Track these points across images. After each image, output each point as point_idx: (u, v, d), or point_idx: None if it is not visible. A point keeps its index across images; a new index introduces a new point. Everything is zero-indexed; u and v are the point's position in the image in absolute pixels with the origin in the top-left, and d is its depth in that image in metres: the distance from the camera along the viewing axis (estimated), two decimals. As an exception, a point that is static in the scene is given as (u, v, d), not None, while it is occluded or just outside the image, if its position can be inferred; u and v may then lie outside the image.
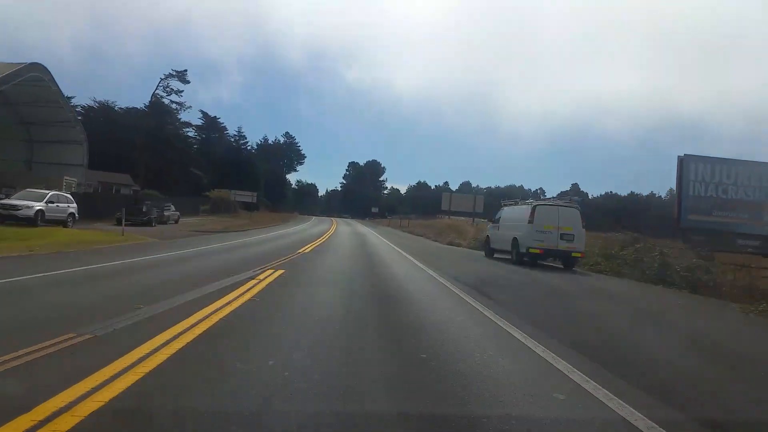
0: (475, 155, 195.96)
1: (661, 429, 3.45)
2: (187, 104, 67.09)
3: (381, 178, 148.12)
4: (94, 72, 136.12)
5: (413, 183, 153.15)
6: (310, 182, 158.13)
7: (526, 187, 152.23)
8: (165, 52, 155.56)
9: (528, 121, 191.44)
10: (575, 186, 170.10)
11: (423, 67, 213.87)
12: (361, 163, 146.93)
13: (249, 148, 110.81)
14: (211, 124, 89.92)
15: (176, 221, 34.48)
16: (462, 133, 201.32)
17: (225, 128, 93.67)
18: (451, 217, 49.51)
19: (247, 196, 57.85)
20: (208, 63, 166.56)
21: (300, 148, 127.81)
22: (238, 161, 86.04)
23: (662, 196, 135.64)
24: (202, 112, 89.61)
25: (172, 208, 35.82)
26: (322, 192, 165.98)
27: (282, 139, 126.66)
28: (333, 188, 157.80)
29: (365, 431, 3.31)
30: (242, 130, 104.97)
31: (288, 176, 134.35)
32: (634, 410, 3.75)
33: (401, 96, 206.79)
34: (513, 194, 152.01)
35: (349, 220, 77.93)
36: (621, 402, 3.90)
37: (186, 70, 64.48)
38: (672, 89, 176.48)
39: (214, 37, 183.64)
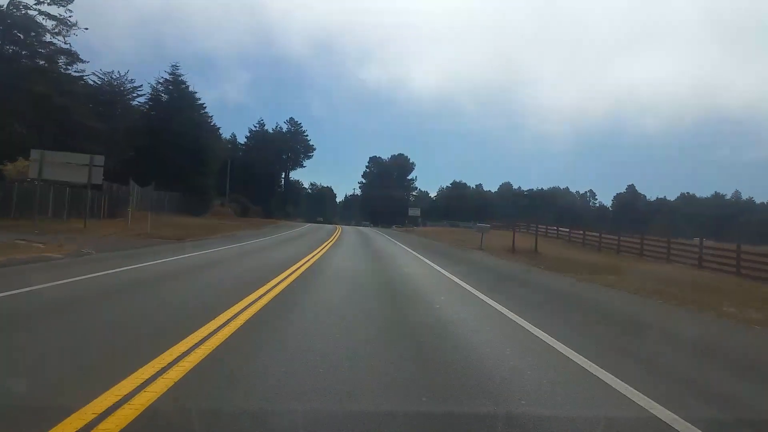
0: (507, 154, 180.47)
1: None
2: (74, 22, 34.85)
3: (409, 177, 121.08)
4: None
5: (443, 185, 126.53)
6: (325, 185, 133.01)
7: (572, 189, 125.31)
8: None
9: (564, 118, 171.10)
10: (631, 187, 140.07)
11: (445, 60, 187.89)
12: (385, 158, 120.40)
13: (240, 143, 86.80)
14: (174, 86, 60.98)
15: None
16: (489, 130, 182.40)
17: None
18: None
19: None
20: (203, 54, 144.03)
21: (308, 137, 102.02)
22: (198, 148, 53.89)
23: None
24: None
25: None
26: (340, 197, 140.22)
27: (285, 127, 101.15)
28: (353, 192, 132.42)
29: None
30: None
31: (295, 174, 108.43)
32: None
33: (420, 92, 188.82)
34: (558, 197, 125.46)
35: (364, 230, 50.83)
36: None
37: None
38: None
39: (213, 29, 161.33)
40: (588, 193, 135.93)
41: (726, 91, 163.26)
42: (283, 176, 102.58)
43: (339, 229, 45.89)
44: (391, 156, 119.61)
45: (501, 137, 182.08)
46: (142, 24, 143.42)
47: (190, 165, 49.35)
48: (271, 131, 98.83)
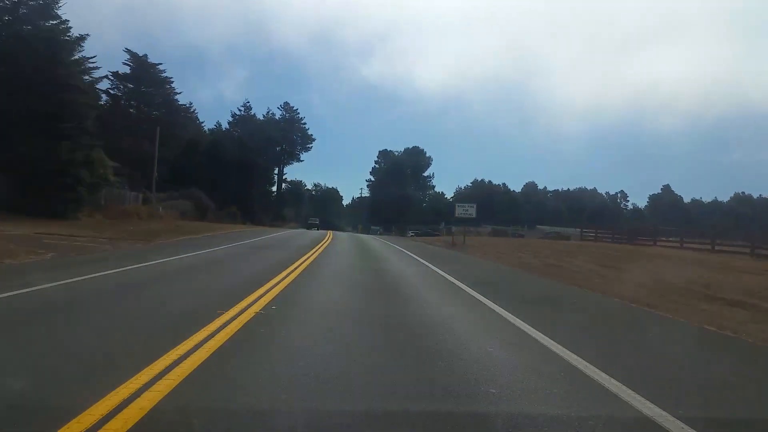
0: (524, 152, 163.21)
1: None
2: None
3: (425, 174, 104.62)
4: None
5: (461, 185, 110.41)
6: (330, 186, 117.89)
7: (600, 190, 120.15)
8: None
9: (580, 115, 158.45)
10: (667, 187, 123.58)
11: (456, 53, 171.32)
12: (398, 151, 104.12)
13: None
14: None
15: None
16: (503, 127, 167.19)
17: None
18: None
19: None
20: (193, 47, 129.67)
21: (305, 126, 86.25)
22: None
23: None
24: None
25: None
26: (347, 199, 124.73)
27: (279, 113, 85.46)
28: (360, 194, 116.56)
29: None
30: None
31: (294, 172, 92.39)
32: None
33: (428, 87, 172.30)
34: (587, 198, 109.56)
35: (366, 242, 32.98)
36: None
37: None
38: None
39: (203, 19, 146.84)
40: (619, 194, 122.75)
41: (752, 86, 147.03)
42: (276, 172, 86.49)
43: (321, 246, 25.30)
44: (405, 149, 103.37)
45: (515, 135, 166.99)
46: (127, 11, 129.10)
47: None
48: (261, 117, 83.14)
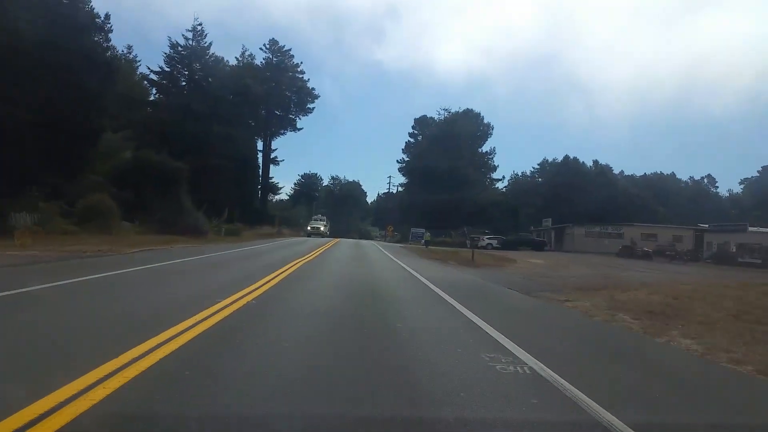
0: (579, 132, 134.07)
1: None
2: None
3: (483, 149, 73.59)
4: None
5: (515, 171, 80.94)
6: (351, 179, 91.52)
7: (679, 176, 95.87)
8: None
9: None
10: (766, 170, 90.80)
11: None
12: (440, 116, 73.31)
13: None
14: None
15: None
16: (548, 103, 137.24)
17: None
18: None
19: None
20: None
21: (303, 76, 56.59)
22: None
23: None
24: None
25: None
26: (372, 196, 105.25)
27: (263, 56, 56.68)
28: (391, 186, 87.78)
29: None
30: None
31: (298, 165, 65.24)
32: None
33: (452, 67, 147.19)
34: (668, 185, 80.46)
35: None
36: None
37: None
38: None
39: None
40: (706, 179, 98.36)
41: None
42: (261, 149, 57.22)
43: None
44: (452, 113, 71.94)
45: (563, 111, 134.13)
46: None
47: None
48: (234, 61, 54.13)
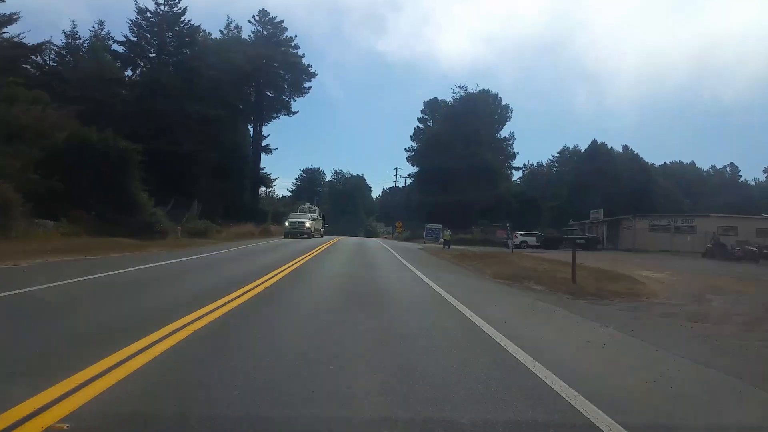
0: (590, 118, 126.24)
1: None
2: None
3: (501, 134, 66.26)
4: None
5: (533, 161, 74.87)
6: (356, 174, 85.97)
7: (699, 165, 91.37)
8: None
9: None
10: None
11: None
12: (453, 97, 66.10)
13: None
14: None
15: None
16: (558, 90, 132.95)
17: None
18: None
19: None
20: None
21: (298, 51, 49.26)
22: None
23: None
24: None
25: None
26: (377, 192, 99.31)
27: (252, 29, 49.67)
28: (398, 178, 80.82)
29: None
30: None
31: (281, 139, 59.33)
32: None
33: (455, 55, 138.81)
34: (688, 174, 75.04)
35: None
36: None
37: None
38: None
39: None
40: (728, 168, 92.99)
41: None
42: (251, 134, 50.12)
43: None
44: (466, 93, 64.26)
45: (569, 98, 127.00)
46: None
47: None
48: (218, 34, 47.02)
